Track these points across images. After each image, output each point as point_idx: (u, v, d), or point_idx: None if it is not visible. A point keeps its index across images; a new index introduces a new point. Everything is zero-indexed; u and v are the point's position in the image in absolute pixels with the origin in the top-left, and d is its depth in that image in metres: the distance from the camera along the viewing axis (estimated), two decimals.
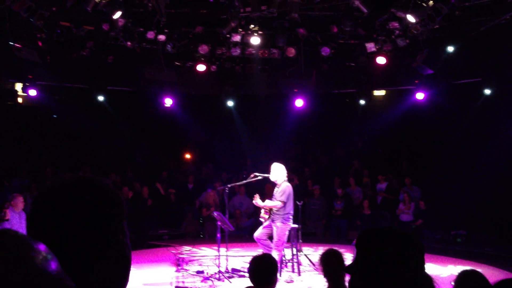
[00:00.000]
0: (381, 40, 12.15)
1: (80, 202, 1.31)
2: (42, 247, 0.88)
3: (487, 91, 12.92)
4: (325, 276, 4.40)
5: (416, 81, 13.58)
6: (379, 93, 17.37)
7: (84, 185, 1.36)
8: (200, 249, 12.01)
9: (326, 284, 4.37)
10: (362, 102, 15.01)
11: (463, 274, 3.97)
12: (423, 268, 1.76)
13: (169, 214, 14.36)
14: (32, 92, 12.67)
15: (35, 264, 0.82)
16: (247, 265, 9.27)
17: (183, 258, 10.82)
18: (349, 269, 1.83)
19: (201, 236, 14.14)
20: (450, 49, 12.02)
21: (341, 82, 14.99)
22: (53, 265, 0.87)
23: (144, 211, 13.59)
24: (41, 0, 9.74)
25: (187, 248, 12.09)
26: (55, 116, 17.32)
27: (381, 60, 12.60)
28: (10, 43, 10.61)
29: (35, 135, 16.43)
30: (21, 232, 1.06)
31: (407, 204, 13.35)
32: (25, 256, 0.82)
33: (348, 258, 4.66)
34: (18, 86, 14.70)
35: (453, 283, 3.92)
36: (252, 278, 4.23)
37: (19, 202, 9.08)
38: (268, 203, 8.78)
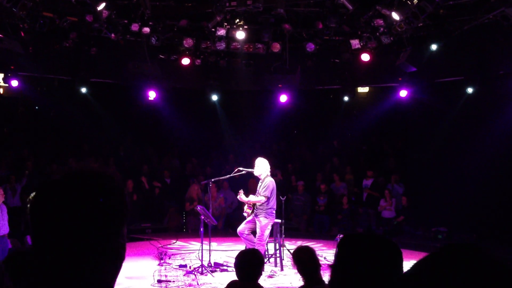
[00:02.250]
0: (365, 37, 12.20)
1: (90, 201, 1.30)
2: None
3: (470, 90, 13.07)
4: (299, 272, 4.43)
5: (400, 79, 13.68)
6: (363, 90, 17.46)
7: (97, 182, 1.33)
8: (184, 242, 11.99)
9: (302, 280, 4.40)
10: (346, 98, 15.08)
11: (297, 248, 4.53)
12: (401, 272, 1.81)
13: (151, 208, 14.29)
14: (14, 83, 12.49)
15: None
16: (230, 259, 9.31)
17: (166, 251, 10.80)
18: (331, 268, 1.90)
19: (184, 230, 14.12)
20: (434, 47, 12.12)
21: (325, 78, 15.03)
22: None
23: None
24: None
25: (172, 241, 12.05)
26: (37, 107, 17.11)
27: (365, 57, 12.65)
28: None
29: (16, 126, 16.22)
30: None
31: (388, 201, 13.48)
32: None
33: (331, 253, 4.69)
34: (0, 77, 14.49)
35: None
36: (238, 272, 4.25)
37: (0, 194, 8.90)
38: (251, 198, 8.80)
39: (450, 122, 14.05)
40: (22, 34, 11.19)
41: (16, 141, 15.35)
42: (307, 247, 4.60)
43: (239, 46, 12.75)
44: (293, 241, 11.93)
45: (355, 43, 12.33)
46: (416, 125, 15.38)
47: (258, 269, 4.31)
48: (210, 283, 8.12)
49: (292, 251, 4.62)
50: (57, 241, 1.28)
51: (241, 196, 8.84)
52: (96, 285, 1.32)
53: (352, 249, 1.86)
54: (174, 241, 12.13)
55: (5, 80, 12.88)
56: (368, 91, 17.56)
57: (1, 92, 16.84)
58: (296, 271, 4.50)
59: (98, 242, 1.31)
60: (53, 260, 1.28)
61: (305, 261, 4.37)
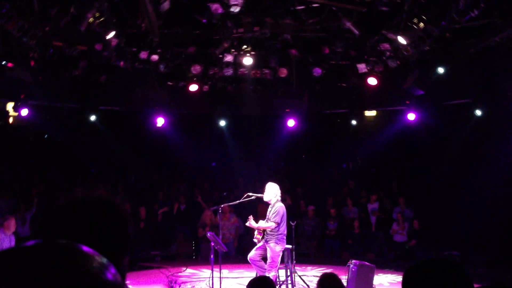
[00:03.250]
0: (372, 61, 12.25)
1: (93, 229, 1.27)
2: (93, 252, 0.87)
3: (478, 112, 13.03)
4: None
5: (407, 102, 13.67)
6: (370, 113, 17.46)
7: (101, 211, 1.32)
8: (195, 270, 11.87)
9: None
10: (353, 122, 15.08)
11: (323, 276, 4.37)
12: None
13: (159, 235, 14.21)
14: (24, 112, 12.59)
15: (92, 270, 0.81)
16: (241, 287, 9.18)
17: (176, 279, 10.69)
18: None
19: (194, 257, 14.00)
20: (441, 70, 12.14)
21: (332, 102, 15.07)
22: (112, 271, 0.86)
23: (137, 233, 13.44)
24: (34, 19, 9.73)
25: (183, 269, 11.94)
26: (46, 136, 17.19)
27: (372, 81, 12.69)
28: (2, 62, 10.56)
29: (26, 155, 16.28)
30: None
31: (401, 224, 13.35)
32: (81, 263, 0.81)
33: (343, 279, 4.61)
34: (9, 106, 14.60)
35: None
36: None
37: (12, 224, 8.82)
38: (261, 224, 8.72)
39: (460, 144, 13.98)
40: (32, 63, 11.31)
41: (25, 170, 15.40)
42: (333, 274, 4.52)
43: (246, 71, 12.85)
44: (304, 267, 11.80)
45: (362, 67, 12.38)
46: (425, 148, 15.30)
47: None
48: None
49: (319, 278, 4.52)
50: None
51: (251, 222, 8.76)
52: None
53: (425, 279, 1.72)
54: (184, 268, 12.02)
55: (15, 109, 12.97)
56: (376, 114, 17.55)
57: (11, 122, 16.94)
58: None
59: None
60: None
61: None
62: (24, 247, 0.81)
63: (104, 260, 0.86)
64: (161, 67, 12.51)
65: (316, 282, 4.49)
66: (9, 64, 10.73)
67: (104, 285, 0.80)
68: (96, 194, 1.37)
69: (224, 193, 14.27)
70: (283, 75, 12.90)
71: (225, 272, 11.13)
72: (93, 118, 13.73)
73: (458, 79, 12.79)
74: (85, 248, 0.84)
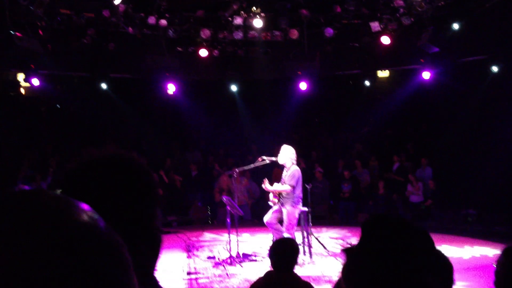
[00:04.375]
0: (385, 19, 11.98)
1: (119, 183, 1.24)
2: (86, 206, 0.82)
3: (495, 68, 12.77)
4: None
5: (422, 60, 13.40)
6: (383, 74, 17.18)
7: (123, 165, 1.28)
8: (212, 234, 11.96)
9: None
10: (367, 83, 14.86)
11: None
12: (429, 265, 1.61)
13: (174, 202, 14.28)
14: (35, 82, 12.53)
15: (81, 221, 0.75)
16: (258, 250, 9.24)
17: (194, 244, 10.79)
18: (347, 251, 1.69)
19: (209, 222, 14.11)
20: (456, 26, 11.85)
21: (345, 63, 14.80)
22: (101, 223, 0.81)
23: None
24: None
25: (201, 233, 12.04)
26: (58, 105, 17.21)
27: (385, 39, 12.42)
28: (11, 32, 10.46)
29: (39, 125, 16.34)
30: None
31: (415, 185, 13.28)
32: (71, 214, 0.75)
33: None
34: (20, 77, 14.57)
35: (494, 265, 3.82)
36: (274, 262, 4.13)
37: None
38: (277, 187, 8.69)
39: (476, 101, 13.75)
40: (41, 32, 11.20)
41: (39, 140, 15.47)
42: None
43: (256, 34, 12.64)
44: (319, 229, 11.84)
45: (375, 25, 12.11)
46: (442, 106, 15.08)
47: (293, 258, 4.19)
48: (240, 274, 8.06)
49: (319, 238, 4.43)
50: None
51: (266, 185, 8.73)
52: (137, 273, 1.24)
53: (379, 231, 1.64)
54: (201, 233, 12.12)
55: (26, 79, 12.94)
56: (389, 75, 17.28)
57: (23, 92, 16.94)
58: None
59: (135, 225, 1.24)
60: None
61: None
62: (12, 194, 0.76)
63: (96, 215, 0.81)
64: (170, 32, 12.35)
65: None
66: (18, 34, 10.62)
67: (95, 232, 0.78)
68: (112, 151, 1.32)
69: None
70: (294, 37, 12.68)
71: (246, 236, 11.21)
72: (104, 86, 13.66)
73: (473, 35, 12.47)
74: (74, 200, 0.80)
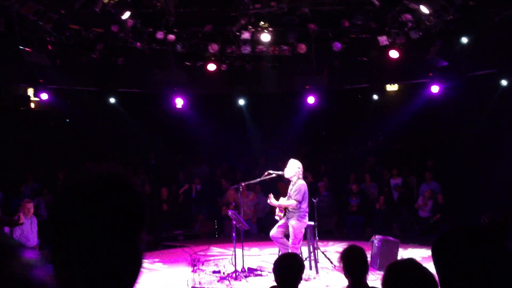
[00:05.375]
0: (393, 33, 11.95)
1: (109, 204, 1.23)
2: (28, 254, 0.81)
3: (504, 82, 12.67)
4: (346, 273, 4.20)
5: (431, 74, 13.34)
6: (392, 88, 17.14)
7: (115, 185, 1.27)
8: (218, 248, 11.90)
9: (347, 282, 4.19)
10: (375, 97, 14.81)
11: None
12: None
13: (181, 216, 14.24)
14: (44, 96, 12.65)
15: (13, 272, 0.76)
16: (263, 264, 9.17)
17: (199, 258, 10.73)
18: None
19: (216, 236, 14.05)
20: (464, 40, 11.80)
21: (353, 77, 14.77)
22: (37, 272, 0.80)
23: (159, 213, 13.51)
24: (49, 3, 9.70)
25: (207, 247, 11.98)
26: (68, 120, 17.33)
27: (394, 53, 12.39)
28: (20, 47, 10.58)
29: (48, 139, 16.44)
30: (7, 240, 0.98)
31: (425, 200, 13.15)
32: (3, 264, 0.76)
33: (367, 255, 4.42)
34: (30, 92, 14.71)
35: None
36: (277, 277, 4.08)
37: (30, 207, 9.15)
38: (282, 202, 8.64)
39: (485, 116, 13.62)
40: (50, 47, 11.31)
41: (48, 154, 15.55)
42: (358, 247, 4.35)
43: (264, 49, 12.66)
44: (325, 243, 11.75)
45: (383, 39, 12.07)
46: (450, 120, 14.96)
47: (298, 274, 4.12)
48: None
49: (342, 250, 4.35)
50: (74, 248, 1.21)
51: (272, 200, 8.68)
52: None
53: (458, 248, 1.55)
54: (207, 247, 12.06)
55: (35, 94, 13.06)
56: (398, 88, 17.22)
57: (33, 107, 17.10)
58: (340, 271, 4.28)
59: (118, 247, 1.23)
60: (71, 268, 1.20)
61: (354, 262, 4.16)
62: None
63: (33, 261, 0.81)
64: (178, 47, 12.41)
65: (339, 254, 4.33)
66: (27, 49, 10.73)
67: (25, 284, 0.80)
68: (106, 169, 1.31)
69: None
70: (302, 51, 12.68)
71: (252, 250, 11.13)
72: (112, 100, 13.75)
73: (482, 49, 12.38)
74: (14, 249, 0.80)
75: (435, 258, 1.60)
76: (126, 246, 1.25)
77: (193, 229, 14.15)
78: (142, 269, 1.30)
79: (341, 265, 4.22)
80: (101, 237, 1.21)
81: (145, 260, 1.33)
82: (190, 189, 14.68)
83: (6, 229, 9.15)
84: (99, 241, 1.20)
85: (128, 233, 1.25)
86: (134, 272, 1.28)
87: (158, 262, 10.79)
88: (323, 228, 13.54)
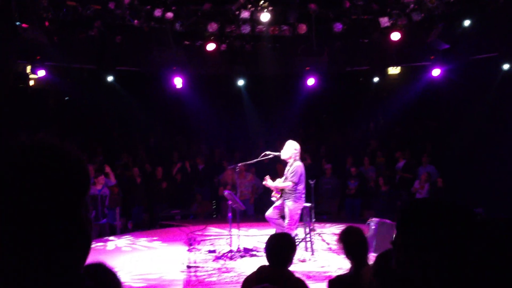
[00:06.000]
0: (395, 14, 11.81)
1: (41, 169, 1.15)
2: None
3: (506, 66, 12.55)
4: (347, 255, 4.15)
5: (432, 57, 13.20)
6: (393, 71, 17.00)
7: (46, 150, 1.20)
8: (215, 228, 11.91)
9: (349, 264, 4.14)
10: (376, 80, 14.70)
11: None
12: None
13: (178, 195, 14.24)
14: (41, 73, 12.52)
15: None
16: (259, 245, 9.17)
17: (195, 237, 10.75)
18: (394, 245, 1.60)
19: (214, 216, 14.06)
20: (467, 23, 11.65)
21: (354, 59, 14.60)
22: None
23: (157, 192, 13.50)
24: None
25: (204, 227, 11.99)
26: (67, 98, 17.25)
27: (395, 36, 12.25)
28: (17, 23, 10.44)
29: (47, 117, 16.38)
30: None
31: (422, 183, 13.10)
32: None
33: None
34: (29, 69, 14.57)
35: None
36: (269, 257, 4.05)
37: None
38: (278, 183, 8.60)
39: (486, 100, 13.52)
40: (47, 24, 11.18)
41: (46, 132, 15.49)
42: (356, 228, 4.31)
43: (264, 29, 12.52)
44: (323, 225, 11.76)
45: (384, 21, 11.95)
46: (451, 104, 14.87)
47: (289, 254, 4.09)
48: (239, 268, 7.99)
49: (340, 232, 4.31)
50: (10, 218, 1.13)
51: (267, 182, 8.65)
52: (62, 268, 1.15)
53: (421, 215, 1.57)
54: (203, 227, 12.08)
55: (32, 70, 12.95)
56: (400, 71, 17.08)
57: (32, 84, 16.99)
58: (340, 253, 4.24)
59: (57, 217, 1.16)
60: (9, 244, 1.13)
61: (354, 243, 4.11)
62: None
63: None
64: (177, 25, 12.27)
65: (338, 236, 4.28)
66: (24, 25, 10.60)
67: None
68: (38, 137, 1.24)
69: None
70: (302, 32, 12.55)
71: (248, 230, 11.13)
72: (110, 79, 13.63)
73: (484, 32, 12.24)
74: None
75: (402, 225, 1.58)
76: (68, 216, 1.17)
77: (190, 209, 14.16)
78: (91, 240, 1.24)
79: (341, 248, 4.17)
80: (37, 206, 1.13)
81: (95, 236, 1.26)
82: (184, 167, 14.60)
83: None
84: (34, 211, 1.13)
85: (66, 199, 1.18)
86: (82, 244, 1.21)
87: (157, 240, 10.82)
88: (325, 210, 13.57)
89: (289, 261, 4.10)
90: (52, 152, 1.20)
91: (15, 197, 1.13)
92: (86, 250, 1.23)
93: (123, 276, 7.74)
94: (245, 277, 4.17)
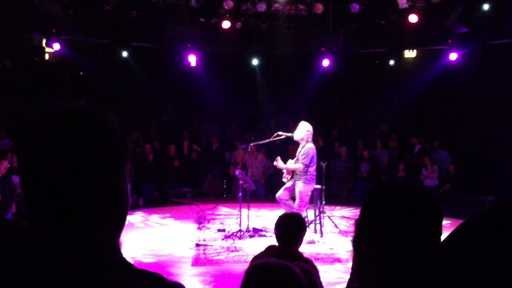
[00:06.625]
0: None
1: (80, 137, 1.12)
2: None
3: None
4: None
5: (450, 41, 12.99)
6: (410, 54, 16.77)
7: (88, 117, 1.16)
8: (225, 207, 11.97)
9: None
10: (392, 62, 14.52)
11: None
12: (439, 238, 1.54)
13: (191, 173, 14.28)
14: (56, 46, 12.51)
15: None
16: (269, 225, 9.19)
17: (205, 216, 10.81)
18: (357, 223, 1.62)
19: (224, 195, 14.11)
20: (486, 7, 11.43)
21: (370, 41, 14.41)
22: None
23: (169, 170, 13.55)
24: None
25: (214, 206, 12.04)
26: (81, 73, 17.28)
27: (413, 18, 12.06)
28: None
29: (61, 91, 16.44)
30: None
31: (430, 168, 13.00)
32: None
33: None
34: (44, 42, 14.58)
35: None
36: (278, 236, 4.06)
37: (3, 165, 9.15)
38: (289, 165, 8.57)
39: (503, 86, 13.31)
40: None
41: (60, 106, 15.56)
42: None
43: (280, 7, 12.39)
44: (333, 207, 11.76)
45: (403, 2, 11.76)
46: (467, 90, 14.66)
47: (299, 234, 4.09)
48: (248, 248, 8.03)
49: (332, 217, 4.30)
50: (48, 187, 1.11)
51: (279, 163, 8.61)
52: (98, 240, 1.14)
53: (385, 198, 1.58)
54: (214, 206, 12.13)
55: (47, 43, 12.94)
56: (416, 55, 16.86)
57: (47, 58, 17.04)
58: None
59: (96, 188, 1.13)
60: (46, 214, 1.12)
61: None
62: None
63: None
64: (193, 2, 12.18)
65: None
66: None
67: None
68: (77, 104, 1.21)
69: (252, 137, 14.06)
70: (318, 11, 12.41)
71: (258, 211, 11.16)
72: (125, 54, 13.60)
73: (504, 17, 12.00)
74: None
75: (364, 205, 1.60)
76: (106, 187, 1.15)
77: (201, 187, 14.21)
78: (127, 211, 1.22)
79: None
80: (76, 176, 1.10)
81: (139, 212, 1.25)
82: (191, 147, 14.58)
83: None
84: (73, 181, 1.10)
85: (106, 170, 1.15)
86: (118, 216, 1.20)
87: (169, 217, 10.90)
88: (337, 193, 13.56)
89: (299, 241, 4.10)
90: (94, 120, 1.17)
91: (54, 164, 1.11)
92: (122, 222, 1.21)
93: (134, 252, 7.82)
94: (253, 256, 4.19)
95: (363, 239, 1.59)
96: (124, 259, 1.14)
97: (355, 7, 12.12)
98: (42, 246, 1.08)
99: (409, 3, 11.75)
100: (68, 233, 1.10)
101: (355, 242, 1.62)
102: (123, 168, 1.20)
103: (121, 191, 1.19)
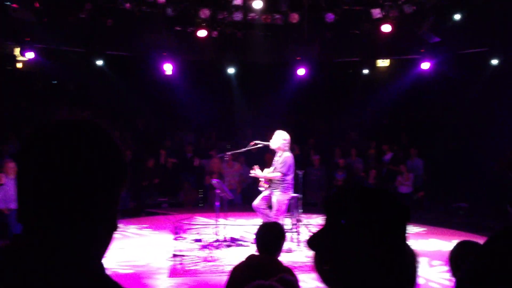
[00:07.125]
0: (387, 5, 11.80)
1: (83, 150, 1.10)
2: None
3: (494, 62, 12.62)
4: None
5: (422, 50, 13.25)
6: (383, 63, 17.03)
7: (90, 131, 1.14)
8: (201, 217, 11.91)
9: None
10: (365, 71, 14.72)
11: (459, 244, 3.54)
12: (405, 240, 1.46)
13: (166, 183, 14.18)
14: (30, 55, 12.35)
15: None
16: (246, 234, 9.18)
17: (182, 226, 10.75)
18: (312, 240, 1.54)
19: (200, 205, 14.04)
20: (457, 17, 11.69)
21: (344, 50, 14.61)
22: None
23: (148, 183, 13.42)
24: None
25: (190, 216, 11.98)
26: (55, 82, 17.05)
27: (386, 28, 12.25)
28: (6, 3, 10.28)
29: (34, 100, 16.19)
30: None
31: (405, 175, 13.20)
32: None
33: None
34: (17, 51, 14.37)
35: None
36: (259, 245, 4.10)
37: (12, 167, 8.99)
38: (267, 174, 8.60)
39: (475, 94, 13.62)
40: (37, 5, 11.01)
41: (33, 115, 15.33)
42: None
43: (256, 16, 12.45)
44: (309, 216, 11.79)
45: (376, 12, 11.94)
46: (439, 98, 14.95)
47: (278, 243, 4.16)
48: (225, 258, 8.02)
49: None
50: (44, 200, 1.09)
51: (256, 172, 8.63)
52: (86, 257, 1.13)
53: (344, 204, 1.47)
54: (189, 216, 12.07)
55: (21, 52, 12.76)
56: (389, 64, 17.12)
57: (20, 67, 16.78)
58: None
59: (94, 204, 1.12)
60: (40, 226, 1.10)
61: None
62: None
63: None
64: (169, 10, 12.16)
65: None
66: (14, 5, 10.44)
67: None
68: (81, 116, 1.20)
69: (228, 146, 14.05)
70: (294, 21, 12.50)
71: (235, 220, 11.14)
72: (100, 63, 13.48)
73: (475, 27, 12.30)
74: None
75: (324, 209, 1.54)
76: (103, 203, 1.13)
77: (177, 197, 14.12)
78: (114, 234, 1.21)
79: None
80: (74, 189, 1.08)
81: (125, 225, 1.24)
82: (166, 159, 14.49)
83: None
84: (71, 195, 1.08)
85: (105, 186, 1.13)
86: (108, 234, 1.18)
87: (139, 228, 10.80)
88: (311, 201, 13.60)
89: (279, 250, 4.16)
90: (100, 135, 1.16)
91: (54, 175, 1.09)
92: (109, 241, 1.20)
93: (111, 263, 7.74)
94: (231, 266, 4.20)
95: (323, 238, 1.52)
96: (109, 277, 1.14)
97: (330, 16, 12.25)
98: (30, 262, 1.07)
99: (383, 13, 11.94)
100: (58, 248, 1.09)
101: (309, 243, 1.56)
102: (121, 186, 1.19)
103: (115, 210, 1.18)
